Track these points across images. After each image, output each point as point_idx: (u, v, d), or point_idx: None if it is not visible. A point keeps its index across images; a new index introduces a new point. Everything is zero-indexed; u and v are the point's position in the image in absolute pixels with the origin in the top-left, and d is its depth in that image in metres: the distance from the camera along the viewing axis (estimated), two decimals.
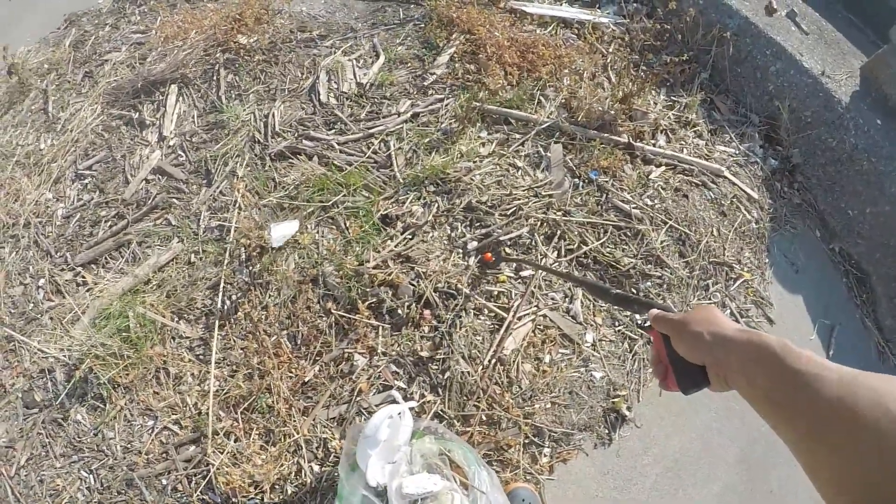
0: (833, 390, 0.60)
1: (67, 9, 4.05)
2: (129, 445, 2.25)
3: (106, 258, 2.69)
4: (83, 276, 2.67)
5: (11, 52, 3.51)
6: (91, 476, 2.20)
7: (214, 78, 3.12)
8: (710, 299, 2.61)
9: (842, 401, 0.58)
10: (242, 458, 2.15)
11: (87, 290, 2.63)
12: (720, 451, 2.35)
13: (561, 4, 3.26)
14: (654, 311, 1.02)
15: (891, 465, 0.52)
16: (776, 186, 3.01)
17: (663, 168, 2.69)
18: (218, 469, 2.10)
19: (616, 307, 2.39)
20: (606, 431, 2.27)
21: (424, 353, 2.19)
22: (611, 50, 3.07)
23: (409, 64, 3.04)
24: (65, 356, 2.46)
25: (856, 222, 3.07)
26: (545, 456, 2.17)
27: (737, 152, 2.94)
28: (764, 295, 2.74)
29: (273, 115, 2.87)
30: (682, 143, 2.83)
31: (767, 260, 2.85)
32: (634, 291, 2.45)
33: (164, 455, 2.21)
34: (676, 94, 3.02)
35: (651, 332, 1.01)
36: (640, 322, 1.09)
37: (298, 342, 2.29)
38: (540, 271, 2.37)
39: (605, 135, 2.65)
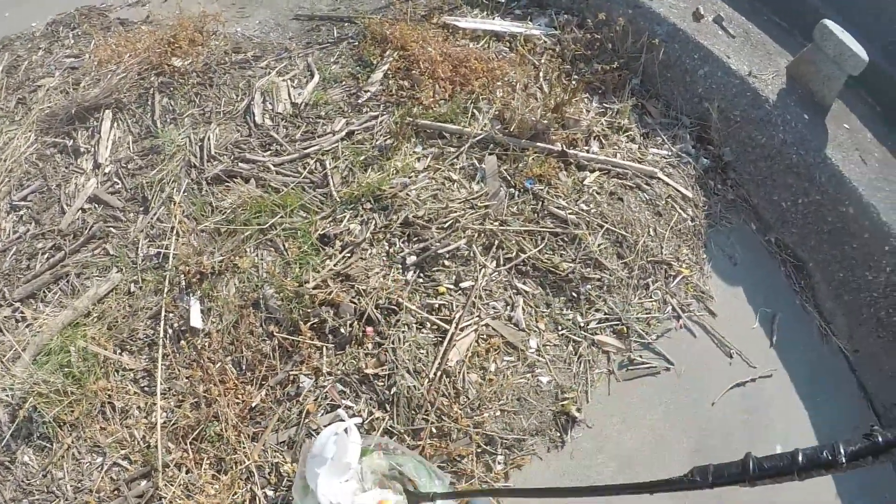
0: None
1: (0, 33, 3.93)
2: (79, 485, 2.20)
3: (44, 291, 2.63)
4: (22, 312, 2.60)
5: None
6: None
7: (149, 102, 3.08)
8: (651, 297, 2.69)
9: None
10: (195, 489, 2.12)
11: (27, 326, 2.57)
12: (674, 444, 2.42)
13: (493, 18, 3.33)
14: None
15: None
16: (710, 184, 3.12)
17: (597, 173, 2.77)
18: (171, 502, 2.07)
19: None
20: (558, 434, 2.32)
21: (370, 371, 2.20)
22: (543, 61, 3.15)
23: (344, 82, 3.06)
24: (7, 395, 2.38)
25: (789, 213, 3.21)
26: (499, 463, 2.20)
27: (669, 154, 3.04)
28: (704, 289, 2.84)
29: (209, 139, 2.85)
30: (616, 147, 2.92)
31: (705, 255, 2.95)
32: (575, 295, 2.50)
33: (115, 492, 2.16)
34: (608, 101, 3.11)
35: None
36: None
37: (244, 367, 2.28)
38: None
39: (539, 144, 2.72)
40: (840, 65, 3.08)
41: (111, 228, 2.70)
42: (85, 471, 2.22)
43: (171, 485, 2.11)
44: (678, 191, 2.93)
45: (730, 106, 3.22)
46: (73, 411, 2.27)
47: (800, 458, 0.79)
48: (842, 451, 0.75)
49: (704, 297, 2.82)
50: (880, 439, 0.73)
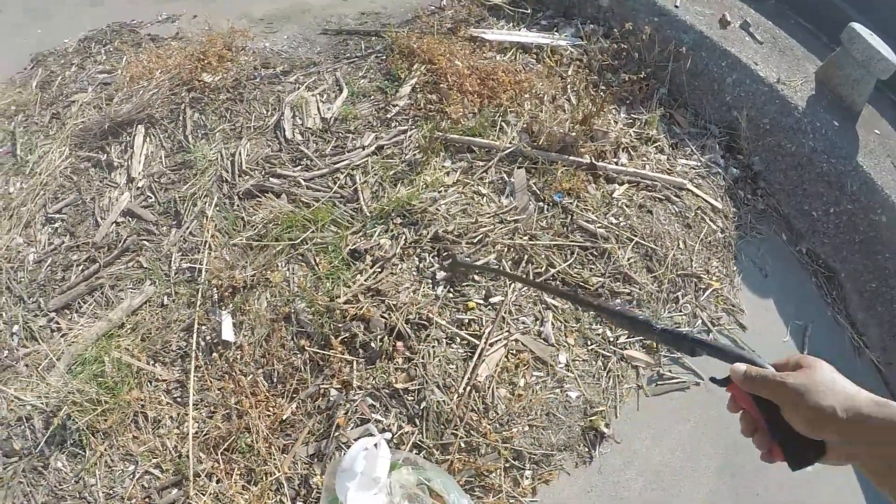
0: None
1: (34, 49, 4.04)
2: (111, 491, 2.24)
3: (79, 302, 2.68)
4: (57, 322, 2.66)
5: None
6: None
7: (180, 117, 3.13)
8: (680, 311, 2.66)
9: None
10: (225, 498, 2.15)
11: (62, 336, 2.62)
12: (702, 459, 2.39)
13: (519, 30, 3.33)
14: (741, 366, 0.78)
15: None
16: (739, 194, 3.08)
17: (626, 185, 2.75)
18: None
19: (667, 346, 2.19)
20: (586, 450, 2.30)
21: (399, 385, 2.21)
22: (570, 72, 3.13)
23: (372, 97, 3.08)
24: (42, 403, 2.44)
25: (820, 223, 3.15)
26: (527, 479, 2.19)
27: (698, 164, 3.01)
28: (734, 302, 2.80)
29: (239, 154, 2.89)
30: (644, 159, 2.90)
31: (735, 267, 2.91)
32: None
33: (146, 500, 2.20)
34: (636, 112, 3.09)
35: (731, 387, 0.81)
36: (713, 377, 0.87)
37: (275, 380, 2.30)
38: (532, 288, 2.36)
39: (568, 157, 2.71)
40: (869, 69, 3.03)
41: (144, 242, 2.75)
42: (117, 478, 2.26)
43: (202, 494, 2.14)
44: (708, 202, 2.89)
45: (759, 114, 3.18)
46: (106, 420, 2.31)
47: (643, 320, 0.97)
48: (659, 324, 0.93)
49: (735, 310, 2.79)
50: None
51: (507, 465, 2.18)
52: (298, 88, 3.13)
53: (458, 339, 2.29)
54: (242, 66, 3.26)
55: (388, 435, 2.02)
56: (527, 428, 2.25)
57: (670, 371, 2.53)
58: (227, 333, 2.39)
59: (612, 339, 2.47)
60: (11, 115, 3.58)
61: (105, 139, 3.17)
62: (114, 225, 2.85)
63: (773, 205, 3.20)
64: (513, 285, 2.40)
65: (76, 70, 3.74)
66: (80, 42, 3.97)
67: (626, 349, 2.47)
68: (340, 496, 1.84)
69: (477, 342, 2.27)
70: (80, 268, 2.78)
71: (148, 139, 3.10)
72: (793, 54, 3.51)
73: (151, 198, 2.90)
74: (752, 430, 0.79)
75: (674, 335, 0.91)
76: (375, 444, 1.87)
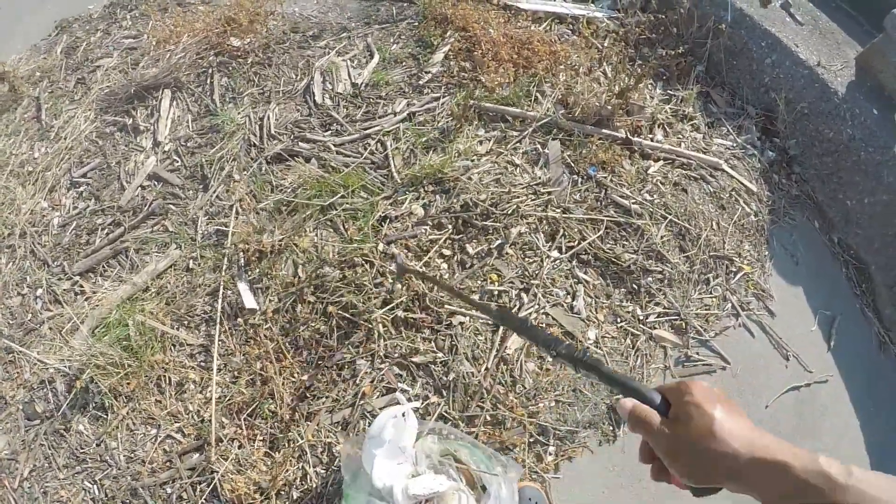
0: None
1: (58, 15, 4.01)
2: (132, 455, 2.23)
3: (103, 266, 2.67)
4: (81, 285, 2.66)
5: (2, 60, 3.48)
6: (95, 486, 2.19)
7: (208, 81, 3.10)
8: (711, 293, 2.60)
9: None
10: (247, 464, 2.14)
11: (86, 299, 2.62)
12: None
13: (555, 0, 3.25)
14: (627, 403, 0.75)
15: None
16: (774, 178, 3.00)
17: (661, 162, 2.68)
18: (223, 476, 2.09)
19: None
20: (611, 428, 2.26)
21: (427, 356, 2.18)
22: (606, 44, 3.05)
23: (404, 63, 3.02)
24: (65, 366, 2.44)
25: (854, 212, 3.06)
26: (550, 454, 2.16)
27: (734, 145, 2.93)
28: (765, 287, 2.74)
29: (268, 118, 2.85)
30: (680, 136, 2.82)
31: (767, 252, 2.85)
32: (635, 287, 2.44)
33: (167, 464, 2.19)
34: (673, 88, 3.01)
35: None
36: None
37: (300, 346, 2.28)
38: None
39: (603, 130, 2.64)
40: None
41: (170, 205, 2.73)
42: (138, 441, 2.26)
43: (223, 459, 2.13)
44: (742, 184, 2.82)
45: (797, 97, 3.09)
46: (129, 383, 2.30)
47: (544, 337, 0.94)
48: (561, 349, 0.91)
49: (765, 295, 2.72)
50: (585, 356, 0.86)
51: (532, 440, 2.15)
52: (329, 53, 3.08)
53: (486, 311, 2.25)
54: (271, 31, 3.21)
55: (416, 404, 2.00)
56: (553, 403, 2.22)
57: (698, 353, 2.47)
58: (249, 301, 2.36)
59: (641, 318, 2.42)
60: (36, 81, 3.57)
61: (131, 103, 3.15)
62: (139, 189, 2.83)
63: (807, 191, 3.12)
64: (547, 258, 2.35)
65: (101, 35, 3.72)
66: (104, 8, 3.94)
67: (655, 328, 2.42)
68: (366, 464, 1.82)
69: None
70: (105, 231, 2.77)
71: (174, 103, 3.07)
72: (833, 38, 3.40)
73: (178, 161, 2.87)
74: (650, 458, 0.75)
75: (570, 358, 0.90)
76: (403, 414, 1.85)
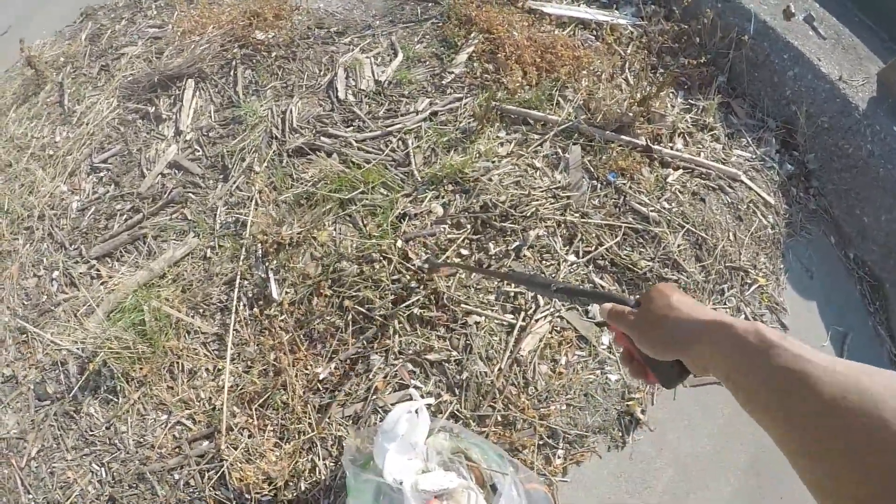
0: (824, 392, 0.53)
1: (84, 2, 4.05)
2: (141, 440, 2.24)
3: (121, 251, 2.69)
4: (98, 270, 2.67)
5: (28, 45, 3.51)
6: (102, 469, 2.21)
7: (231, 73, 3.12)
8: (725, 304, 2.60)
9: (833, 407, 0.52)
10: (256, 454, 2.14)
11: (102, 284, 2.63)
12: (731, 455, 2.34)
13: (579, 5, 3.25)
14: (607, 305, 0.88)
15: (879, 481, 0.47)
16: (792, 192, 2.99)
17: (681, 171, 2.69)
18: (231, 465, 2.10)
19: (562, 302, 2.29)
20: (620, 434, 2.26)
21: (441, 354, 2.18)
22: (629, 51, 3.06)
23: (428, 62, 3.03)
24: (78, 349, 2.45)
25: (870, 229, 3.05)
26: (559, 458, 2.16)
27: (753, 156, 2.93)
28: (778, 300, 2.73)
29: (291, 112, 2.86)
30: (700, 146, 2.82)
31: (782, 265, 2.84)
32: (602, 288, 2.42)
33: (176, 450, 2.20)
34: (694, 98, 3.01)
35: (611, 326, 0.89)
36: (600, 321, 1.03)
37: (314, 339, 2.28)
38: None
39: (624, 137, 2.64)
40: None
41: (190, 194, 2.75)
42: (148, 427, 2.27)
43: (233, 448, 2.14)
44: (760, 196, 2.81)
45: (818, 111, 3.08)
46: (141, 368, 2.32)
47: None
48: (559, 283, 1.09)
49: (778, 308, 2.71)
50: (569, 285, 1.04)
51: (542, 442, 2.15)
52: (352, 50, 3.09)
53: (502, 312, 2.26)
54: (296, 26, 3.23)
55: (431, 400, 2.00)
56: (564, 407, 2.22)
57: None
58: (275, 291, 2.37)
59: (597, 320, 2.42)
60: (60, 66, 3.61)
61: (154, 92, 3.17)
62: (160, 176, 2.85)
63: (824, 205, 3.11)
64: (564, 262, 2.35)
65: (126, 24, 3.75)
66: None
67: None
68: (378, 458, 1.82)
69: (520, 318, 2.23)
70: (124, 217, 2.79)
71: (197, 93, 3.10)
72: (856, 53, 3.39)
73: (199, 151, 2.89)
74: (628, 361, 0.87)
75: (567, 290, 1.07)
76: (416, 410, 1.85)
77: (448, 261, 2.32)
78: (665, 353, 0.75)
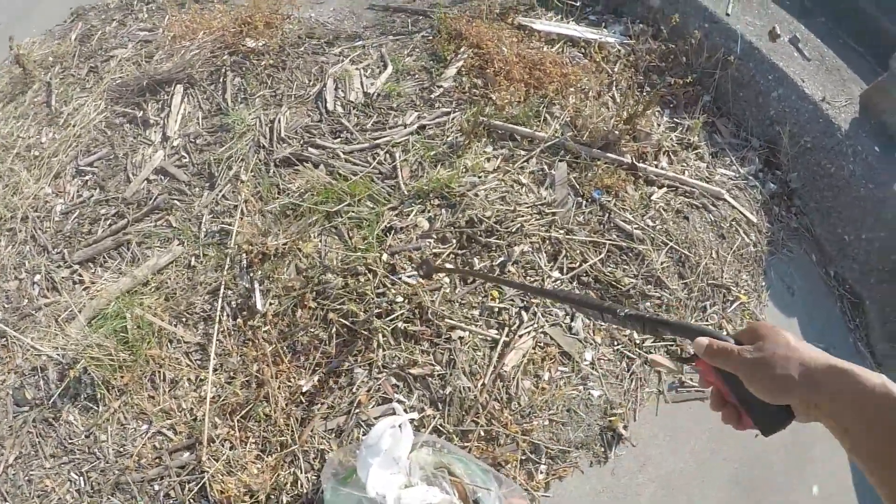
0: None
1: (75, 2, 4.02)
2: (121, 449, 2.23)
3: (104, 257, 2.67)
4: (80, 275, 2.65)
5: (17, 43, 3.47)
6: (81, 478, 2.19)
7: (221, 80, 3.11)
8: (707, 321, 2.63)
9: None
10: (238, 466, 2.13)
11: (84, 289, 2.61)
12: (714, 471, 2.37)
13: (568, 23, 3.29)
14: (703, 340, 0.79)
15: None
16: (774, 210, 3.04)
17: (665, 189, 2.72)
18: (213, 477, 2.08)
19: (624, 329, 2.32)
20: (602, 450, 2.28)
21: (425, 368, 2.19)
22: (616, 70, 3.09)
23: (417, 75, 3.05)
24: (59, 355, 2.43)
25: (851, 247, 3.11)
26: (541, 472, 2.18)
27: (737, 175, 2.97)
28: (760, 317, 2.76)
29: (279, 121, 2.87)
30: (684, 164, 2.86)
31: (764, 283, 2.88)
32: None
33: (157, 460, 2.19)
34: (679, 116, 3.05)
35: (698, 362, 0.82)
36: (681, 356, 0.94)
37: (298, 351, 2.28)
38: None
39: (610, 154, 2.68)
40: None
41: (176, 201, 2.73)
42: (128, 436, 2.25)
43: (214, 459, 2.13)
44: (743, 214, 2.86)
45: (801, 131, 3.14)
46: (122, 376, 2.30)
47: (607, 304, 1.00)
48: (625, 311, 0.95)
49: None
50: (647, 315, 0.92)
51: (524, 457, 2.17)
52: (342, 61, 3.10)
53: (486, 327, 2.27)
54: (287, 35, 3.23)
55: (414, 415, 2.00)
56: (547, 422, 2.23)
57: (692, 379, 2.50)
58: (259, 302, 2.37)
59: (638, 342, 2.45)
60: (49, 66, 3.57)
61: (142, 96, 3.15)
62: (146, 182, 2.83)
63: (806, 224, 3.16)
64: (548, 278, 2.37)
65: (117, 26, 3.73)
66: None
67: (650, 353, 2.44)
68: (361, 472, 1.82)
69: (502, 333, 2.25)
70: (108, 222, 2.77)
71: (186, 99, 3.08)
72: (839, 74, 3.45)
73: (186, 158, 2.88)
74: (720, 405, 0.81)
75: (637, 318, 0.94)
76: (400, 425, 1.85)
77: (447, 265, 2.32)
78: (782, 397, 0.71)
